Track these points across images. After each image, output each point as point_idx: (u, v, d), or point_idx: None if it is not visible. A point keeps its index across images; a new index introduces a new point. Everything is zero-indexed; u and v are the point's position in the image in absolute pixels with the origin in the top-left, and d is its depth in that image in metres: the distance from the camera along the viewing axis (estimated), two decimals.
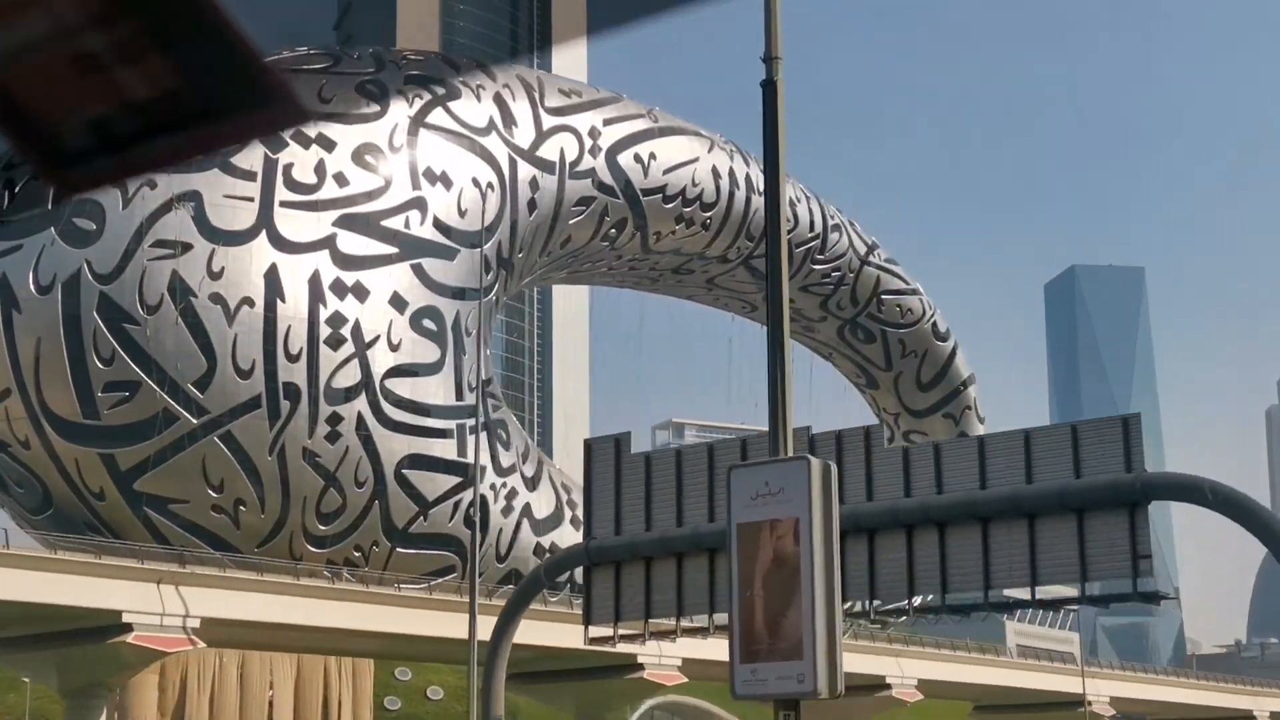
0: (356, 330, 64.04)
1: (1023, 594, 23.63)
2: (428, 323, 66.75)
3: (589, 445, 27.84)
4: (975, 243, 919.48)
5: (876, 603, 24.68)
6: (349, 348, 63.64)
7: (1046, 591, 24.52)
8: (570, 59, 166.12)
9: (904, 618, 24.09)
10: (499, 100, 73.03)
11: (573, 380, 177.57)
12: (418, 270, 66.93)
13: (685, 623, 26.25)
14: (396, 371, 65.34)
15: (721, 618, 21.73)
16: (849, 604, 25.09)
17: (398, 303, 65.87)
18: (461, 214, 69.30)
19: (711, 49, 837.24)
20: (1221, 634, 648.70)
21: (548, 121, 74.53)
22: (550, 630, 55.70)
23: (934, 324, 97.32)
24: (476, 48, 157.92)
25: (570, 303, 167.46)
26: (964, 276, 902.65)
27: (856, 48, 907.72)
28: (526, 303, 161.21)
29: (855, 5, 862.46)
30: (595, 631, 26.54)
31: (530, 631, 41.89)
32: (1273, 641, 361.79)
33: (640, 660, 62.69)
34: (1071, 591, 26.49)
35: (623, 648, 32.91)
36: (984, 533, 22.57)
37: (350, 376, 63.42)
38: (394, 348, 65.21)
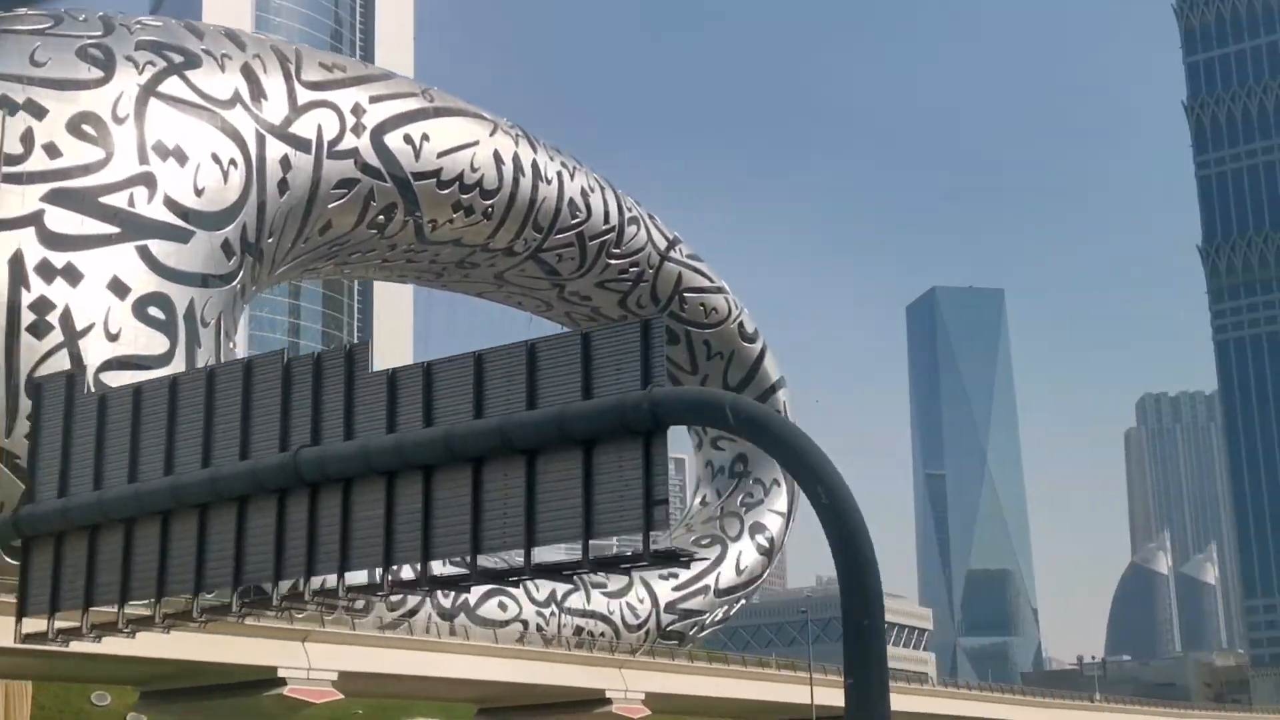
0: (66, 317, 57.82)
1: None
2: (154, 311, 60.56)
3: (38, 386, 22.57)
4: (839, 263, 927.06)
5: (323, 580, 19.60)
6: (56, 336, 57.48)
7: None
8: (396, 59, 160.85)
9: (381, 595, 18.58)
10: (247, 71, 67.18)
11: None
12: (143, 253, 60.74)
13: (142, 609, 21.13)
14: (115, 364, 59.12)
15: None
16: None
17: (118, 288, 59.63)
18: (198, 193, 63.23)
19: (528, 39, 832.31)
20: (1081, 651, 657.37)
21: (304, 96, 68.81)
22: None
23: (741, 324, 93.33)
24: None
25: (394, 300, 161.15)
26: (828, 296, 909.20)
27: (715, 63, 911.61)
28: (345, 293, 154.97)
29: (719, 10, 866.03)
30: (31, 626, 21.19)
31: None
32: (1126, 659, 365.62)
33: (282, 675, 58.35)
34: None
35: (252, 658, 27.46)
36: (475, 479, 17.76)
37: (56, 368, 57.19)
38: (112, 337, 58.99)
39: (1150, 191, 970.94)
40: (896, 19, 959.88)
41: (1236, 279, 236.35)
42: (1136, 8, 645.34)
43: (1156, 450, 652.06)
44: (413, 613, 70.29)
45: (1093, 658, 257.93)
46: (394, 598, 70.86)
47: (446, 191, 75.20)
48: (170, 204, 62.52)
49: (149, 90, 63.20)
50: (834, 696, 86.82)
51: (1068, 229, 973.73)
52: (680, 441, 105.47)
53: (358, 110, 71.14)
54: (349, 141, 70.35)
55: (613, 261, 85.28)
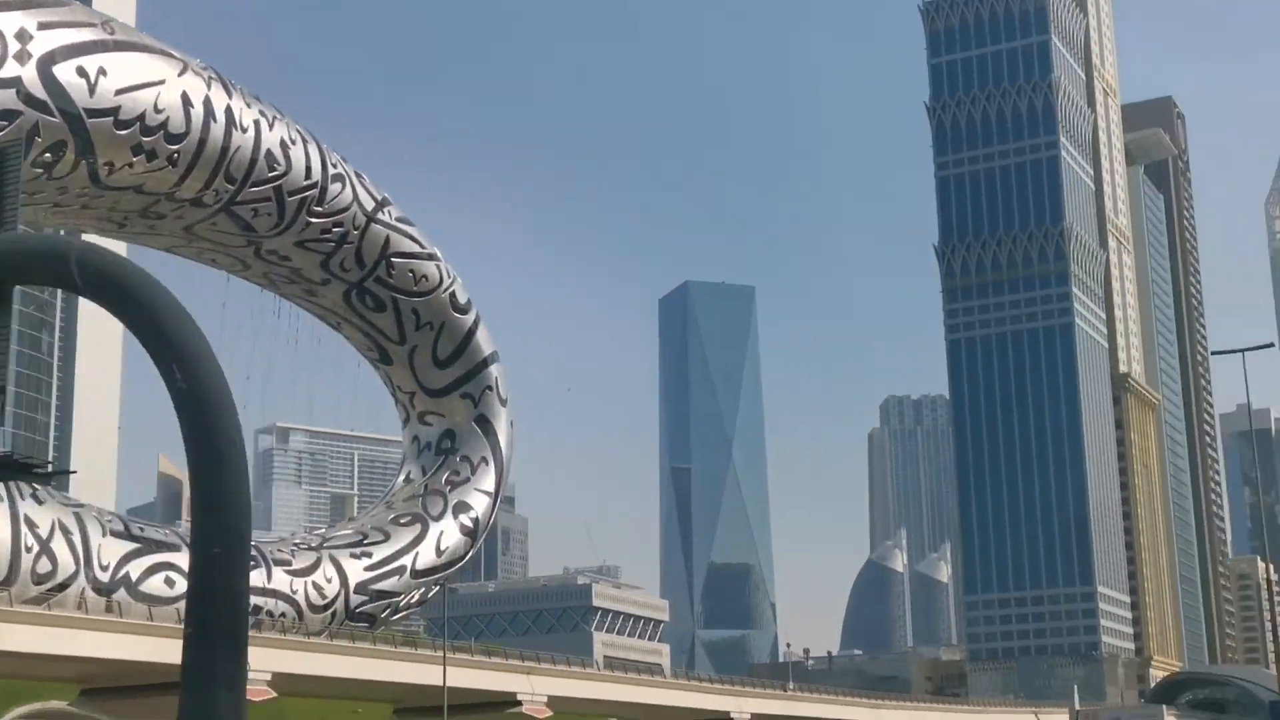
0: None
1: None
2: None
3: None
4: (595, 255, 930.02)
5: None
6: None
7: None
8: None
9: None
10: None
11: (100, 390, 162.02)
12: None
13: None
14: None
15: None
16: None
17: None
18: None
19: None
20: (818, 645, 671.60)
21: None
22: None
23: (453, 294, 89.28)
24: None
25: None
26: (583, 288, 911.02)
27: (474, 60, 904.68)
28: (51, 294, 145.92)
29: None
30: None
31: None
32: (858, 653, 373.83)
33: None
34: None
35: None
36: None
37: None
38: None
39: (898, 192, 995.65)
40: (652, 15, 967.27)
41: (970, 280, 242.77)
42: (888, 9, 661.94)
43: (898, 451, 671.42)
44: (63, 586, 64.69)
45: (828, 652, 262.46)
46: (41, 570, 65.49)
47: (125, 132, 69.40)
48: None
49: None
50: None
51: (818, 228, 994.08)
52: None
53: (23, 36, 64.99)
54: (11, 69, 64.15)
55: (314, 220, 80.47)
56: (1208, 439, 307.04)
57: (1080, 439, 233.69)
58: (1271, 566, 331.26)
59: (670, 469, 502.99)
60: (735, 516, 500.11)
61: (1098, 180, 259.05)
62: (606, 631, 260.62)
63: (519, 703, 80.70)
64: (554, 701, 79.56)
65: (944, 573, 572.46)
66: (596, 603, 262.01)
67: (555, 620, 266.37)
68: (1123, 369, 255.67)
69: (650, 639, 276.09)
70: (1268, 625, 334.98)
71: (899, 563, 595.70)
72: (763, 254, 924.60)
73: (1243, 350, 64.05)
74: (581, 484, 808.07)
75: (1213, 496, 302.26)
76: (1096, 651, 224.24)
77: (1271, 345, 64.17)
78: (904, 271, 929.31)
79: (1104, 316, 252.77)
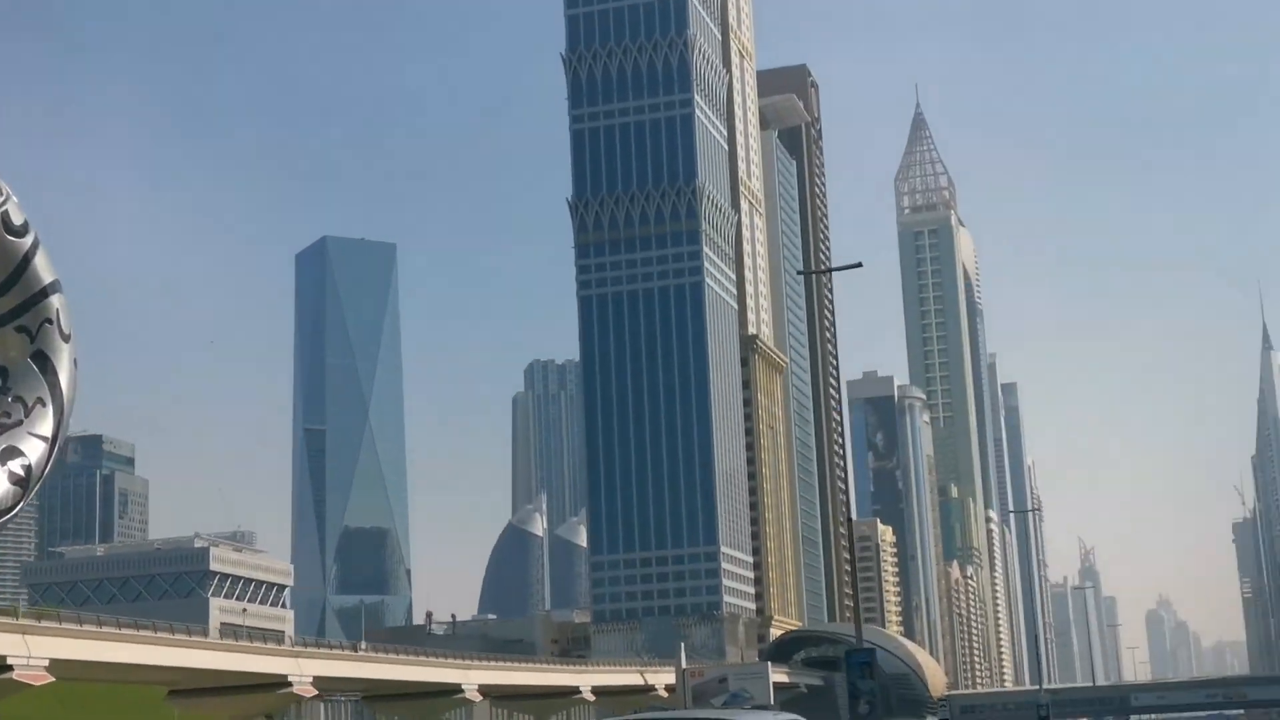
0: None
1: None
2: None
3: None
4: (228, 207, 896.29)
5: None
6: None
7: None
8: None
9: None
10: None
11: None
12: None
13: None
14: None
15: None
16: None
17: None
18: None
19: None
20: (457, 609, 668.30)
21: None
22: None
23: (6, 214, 78.64)
24: None
25: None
26: (216, 241, 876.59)
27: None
28: None
29: None
30: None
31: None
32: (491, 617, 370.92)
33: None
34: None
35: None
36: None
37: None
38: None
39: (540, 146, 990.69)
40: None
41: (603, 236, 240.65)
42: None
43: (542, 415, 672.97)
44: None
45: (451, 615, 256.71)
46: None
47: None
48: None
49: None
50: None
51: (461, 184, 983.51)
52: None
53: None
54: None
55: None
56: (833, 403, 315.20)
57: (708, 400, 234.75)
58: (891, 528, 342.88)
59: (304, 430, 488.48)
60: (371, 479, 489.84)
61: (731, 142, 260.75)
62: (225, 597, 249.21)
63: None
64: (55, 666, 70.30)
65: (582, 536, 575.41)
66: (214, 567, 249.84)
67: (169, 586, 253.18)
68: (751, 330, 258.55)
69: (274, 605, 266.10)
70: (885, 585, 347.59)
71: (539, 527, 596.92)
72: (406, 210, 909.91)
73: (829, 270, 61.29)
74: (214, 446, 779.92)
75: (836, 460, 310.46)
76: (718, 611, 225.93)
77: (859, 265, 61.37)
78: (548, 230, 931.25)
79: (734, 278, 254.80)
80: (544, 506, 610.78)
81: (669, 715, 20.99)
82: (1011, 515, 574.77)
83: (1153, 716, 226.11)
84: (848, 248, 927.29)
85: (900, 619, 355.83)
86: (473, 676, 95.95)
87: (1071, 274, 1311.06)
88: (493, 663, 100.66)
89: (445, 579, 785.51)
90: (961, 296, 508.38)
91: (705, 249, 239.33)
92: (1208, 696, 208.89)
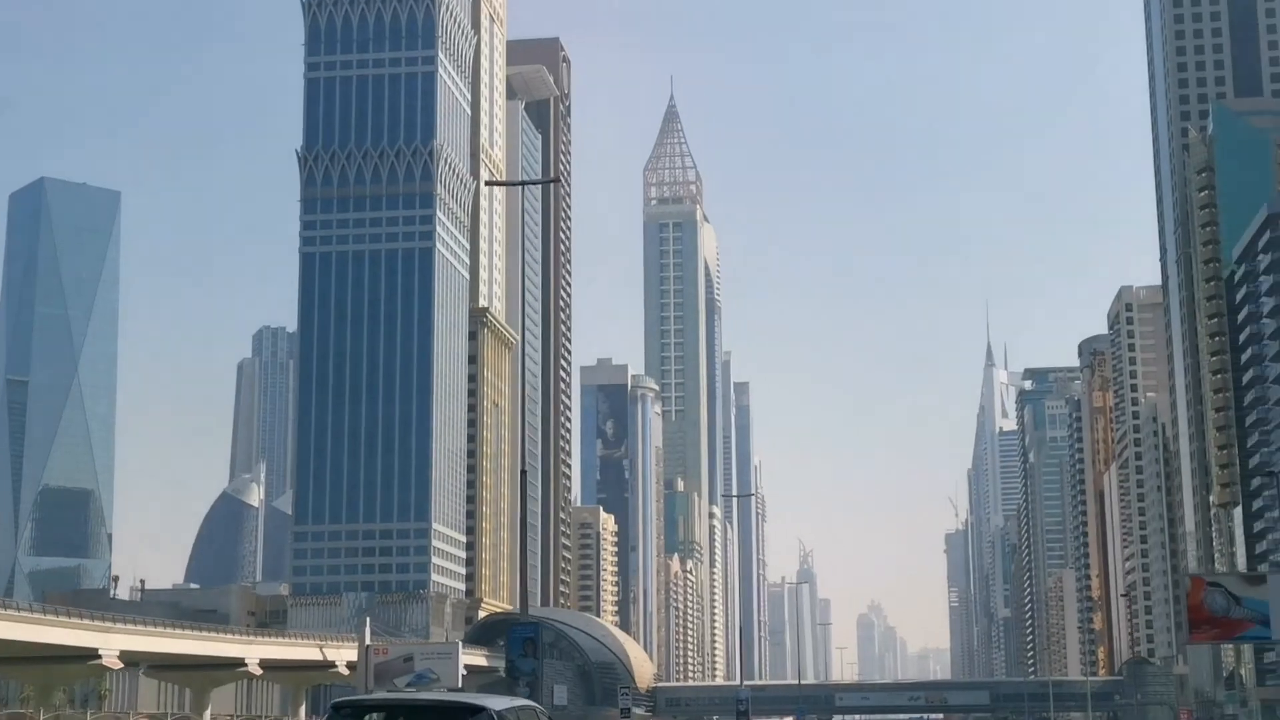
0: None
1: None
2: None
3: None
4: None
5: None
6: None
7: None
8: None
9: None
10: None
11: None
12: None
13: None
14: None
15: None
16: None
17: None
18: None
19: None
20: (164, 577, 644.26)
21: None
22: None
23: None
24: None
25: None
26: None
27: None
28: None
29: None
30: None
31: None
32: (194, 586, 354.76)
33: None
34: None
35: None
36: None
37: None
38: None
39: (274, 96, 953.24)
40: None
41: (331, 191, 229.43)
42: None
43: (267, 383, 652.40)
44: None
45: (140, 581, 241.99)
46: None
47: None
48: None
49: None
50: None
51: (195, 132, 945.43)
52: None
53: None
54: None
55: None
56: (563, 386, 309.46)
57: (430, 371, 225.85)
58: (613, 517, 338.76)
59: (5, 380, 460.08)
60: (75, 437, 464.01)
61: (475, 107, 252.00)
62: None
63: None
64: None
65: None
66: None
67: None
68: (483, 303, 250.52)
69: None
70: (603, 575, 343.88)
71: (255, 497, 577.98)
72: (135, 157, 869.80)
73: (521, 183, 54.21)
74: None
75: (562, 444, 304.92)
76: (425, 590, 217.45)
77: (557, 180, 54.88)
78: (282, 186, 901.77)
79: (468, 247, 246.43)
80: (262, 477, 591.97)
81: (404, 698, 19.73)
82: (735, 513, 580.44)
83: (857, 717, 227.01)
84: (593, 231, 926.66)
85: (617, 609, 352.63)
86: (114, 641, 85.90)
87: (808, 280, 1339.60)
88: (139, 626, 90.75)
89: (153, 545, 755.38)
90: (701, 292, 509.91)
91: (439, 214, 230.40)
92: (910, 699, 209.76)
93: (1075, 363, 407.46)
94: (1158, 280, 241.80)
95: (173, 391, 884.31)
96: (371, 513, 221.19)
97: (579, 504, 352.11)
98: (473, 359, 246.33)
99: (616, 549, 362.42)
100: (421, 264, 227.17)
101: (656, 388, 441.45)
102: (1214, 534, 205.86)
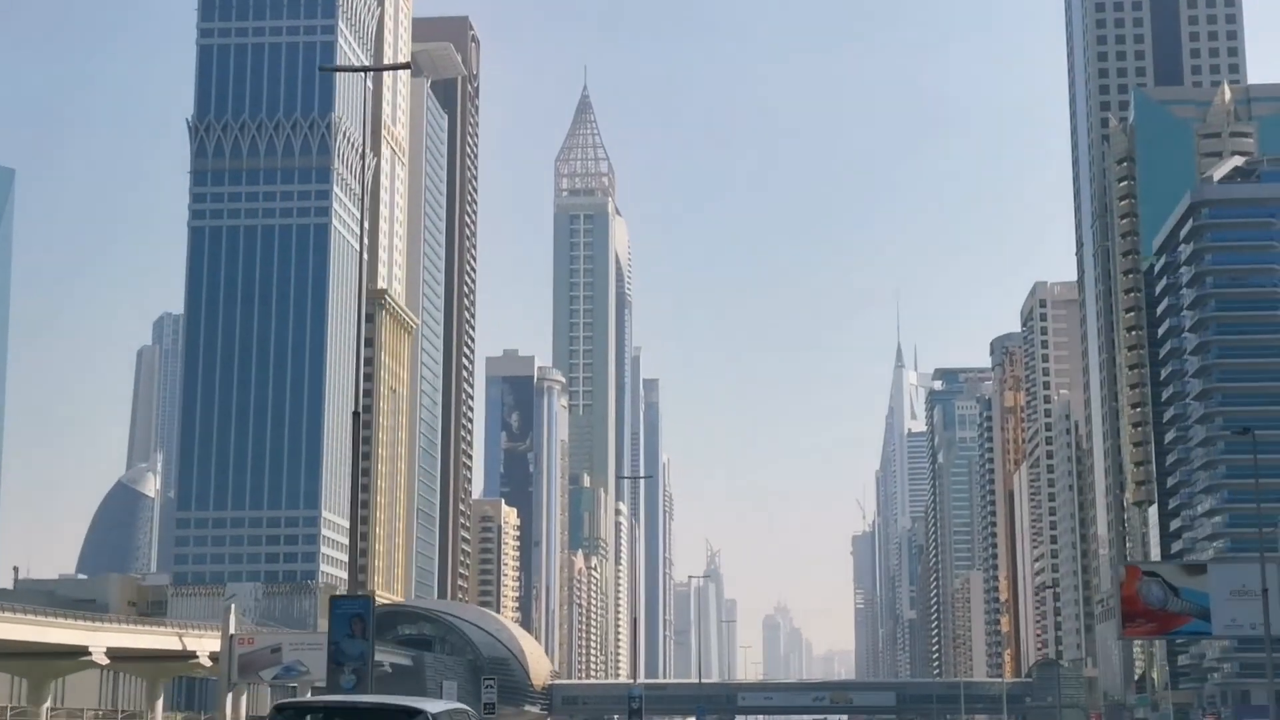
0: None
1: None
2: None
3: None
4: None
5: None
6: None
7: None
8: None
9: None
10: None
11: None
12: None
13: None
14: None
15: None
16: None
17: None
18: None
19: None
20: (55, 566, 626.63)
21: None
22: None
23: None
24: None
25: None
26: None
27: None
28: None
29: None
30: None
31: None
32: (82, 577, 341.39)
33: None
34: None
35: None
36: None
37: None
38: None
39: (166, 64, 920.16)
40: None
41: (223, 163, 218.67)
42: None
43: (167, 371, 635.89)
44: None
45: (14, 568, 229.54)
46: None
47: None
48: None
49: None
50: None
51: (88, 106, 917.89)
52: None
53: None
54: None
55: None
56: (465, 374, 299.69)
57: (324, 353, 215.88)
58: (515, 510, 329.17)
59: None
60: None
61: (377, 81, 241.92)
62: None
63: None
64: None
65: None
66: None
67: None
68: (381, 284, 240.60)
69: None
70: (504, 569, 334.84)
71: (151, 487, 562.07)
72: (29, 132, 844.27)
73: (365, 69, 46.00)
74: None
75: (464, 434, 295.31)
76: (313, 581, 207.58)
77: (408, 67, 46.76)
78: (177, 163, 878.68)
79: (368, 227, 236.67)
80: (159, 466, 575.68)
81: (344, 700, 19.49)
82: (641, 510, 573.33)
83: (760, 718, 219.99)
84: (501, 220, 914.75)
85: (518, 605, 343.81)
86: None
87: (720, 278, 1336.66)
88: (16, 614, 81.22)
89: (44, 535, 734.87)
90: (612, 286, 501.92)
91: (336, 189, 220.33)
92: (815, 699, 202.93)
93: (986, 363, 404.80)
94: (1073, 276, 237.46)
95: (69, 379, 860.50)
96: (259, 500, 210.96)
97: (481, 497, 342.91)
98: (370, 342, 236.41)
99: (519, 544, 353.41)
100: (317, 241, 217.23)
101: (563, 380, 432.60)
102: (1126, 534, 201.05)
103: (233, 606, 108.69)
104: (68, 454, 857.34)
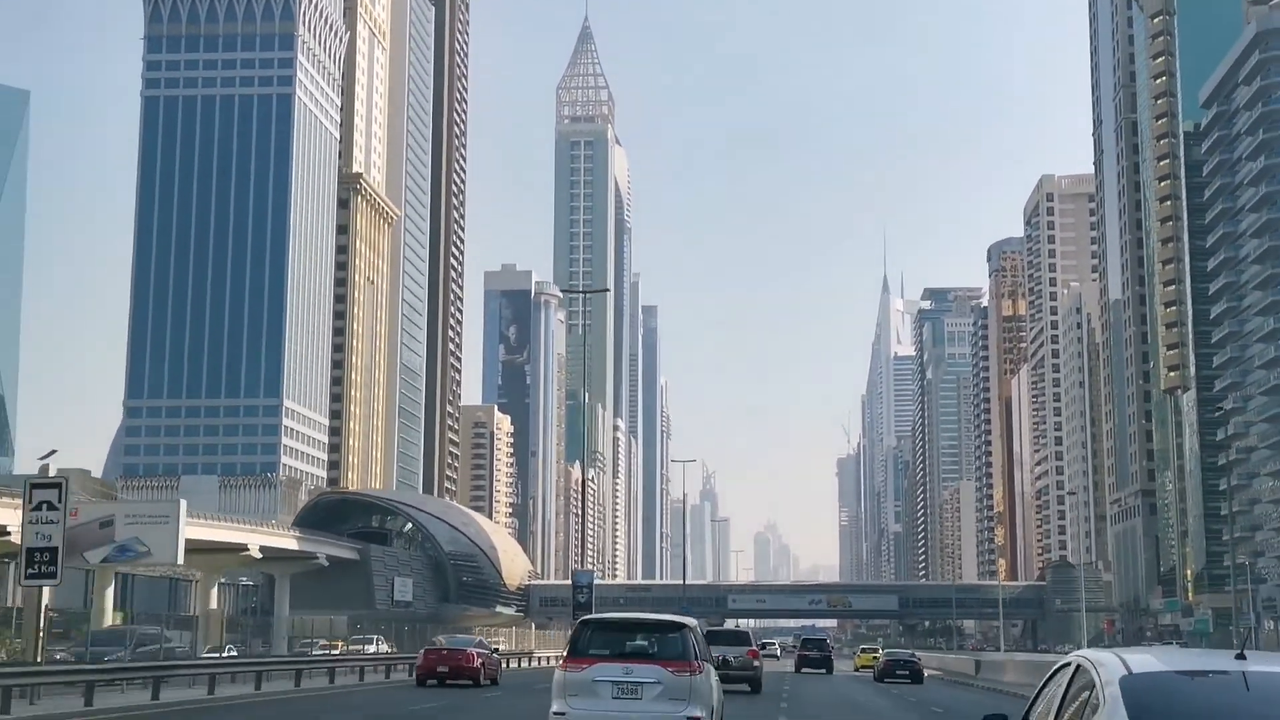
0: None
1: None
2: None
3: None
4: None
5: None
6: None
7: None
8: None
9: None
10: None
11: None
12: None
13: None
14: None
15: None
16: None
17: None
18: None
19: None
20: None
21: None
22: None
23: None
24: None
25: None
26: None
27: None
28: None
29: None
30: None
31: None
32: None
33: None
34: None
35: None
36: None
37: None
38: None
39: None
40: None
41: (179, 29, 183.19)
42: None
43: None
44: None
45: None
46: None
47: None
48: None
49: None
50: None
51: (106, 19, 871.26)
52: None
53: None
54: None
55: None
56: (454, 274, 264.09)
57: (286, 232, 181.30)
58: (509, 418, 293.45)
59: None
60: None
61: None
62: None
63: None
64: None
65: None
66: None
67: None
68: (357, 169, 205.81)
69: None
70: (497, 475, 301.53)
71: None
72: (43, 54, 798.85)
73: None
74: None
75: (452, 335, 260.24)
76: (274, 474, 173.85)
77: None
78: None
79: (339, 104, 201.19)
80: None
81: (628, 617, 18.89)
82: (640, 429, 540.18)
83: (753, 623, 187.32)
84: (505, 144, 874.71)
85: (511, 510, 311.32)
86: None
87: (718, 208, 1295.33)
88: None
89: (56, 441, 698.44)
90: (611, 212, 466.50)
91: (300, 59, 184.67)
92: (810, 602, 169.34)
93: (976, 284, 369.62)
94: (1081, 170, 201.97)
95: (79, 294, 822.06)
96: (216, 388, 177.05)
97: (477, 403, 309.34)
98: (344, 229, 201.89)
99: (513, 452, 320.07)
100: (279, 112, 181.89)
101: (559, 295, 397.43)
102: (1152, 425, 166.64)
103: (183, 502, 74.88)
104: (81, 367, 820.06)
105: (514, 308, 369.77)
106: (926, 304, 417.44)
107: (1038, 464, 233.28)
